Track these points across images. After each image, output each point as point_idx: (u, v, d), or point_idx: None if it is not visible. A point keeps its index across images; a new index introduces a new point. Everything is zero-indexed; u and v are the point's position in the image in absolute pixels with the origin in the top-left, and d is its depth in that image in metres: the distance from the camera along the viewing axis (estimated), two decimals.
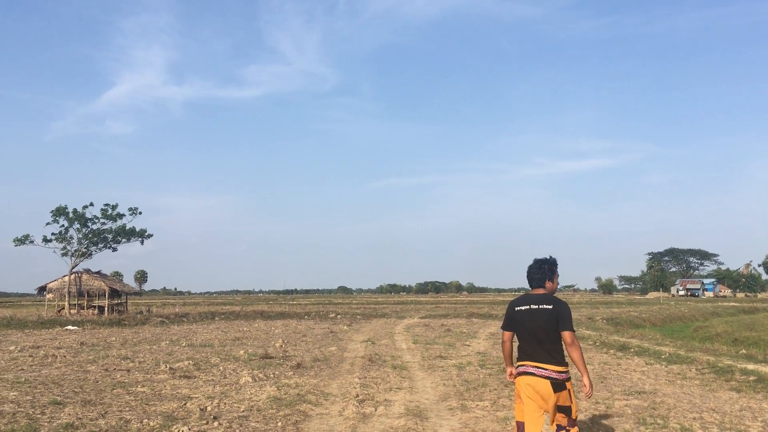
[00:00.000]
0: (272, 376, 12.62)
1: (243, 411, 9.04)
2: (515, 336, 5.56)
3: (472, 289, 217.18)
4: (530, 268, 5.64)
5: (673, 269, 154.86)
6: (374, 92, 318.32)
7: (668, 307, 54.76)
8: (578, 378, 5.37)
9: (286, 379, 12.06)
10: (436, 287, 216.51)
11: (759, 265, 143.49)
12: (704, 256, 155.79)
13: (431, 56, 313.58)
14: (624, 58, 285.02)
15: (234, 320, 37.66)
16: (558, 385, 5.24)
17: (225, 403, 9.60)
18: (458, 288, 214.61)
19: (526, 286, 5.69)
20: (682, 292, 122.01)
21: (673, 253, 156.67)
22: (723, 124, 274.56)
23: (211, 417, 8.53)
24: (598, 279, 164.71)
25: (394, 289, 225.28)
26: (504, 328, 5.61)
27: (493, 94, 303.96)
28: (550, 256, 5.70)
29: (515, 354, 5.65)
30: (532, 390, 5.29)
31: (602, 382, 11.85)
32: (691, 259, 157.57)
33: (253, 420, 8.46)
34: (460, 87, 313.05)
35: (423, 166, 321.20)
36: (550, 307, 5.33)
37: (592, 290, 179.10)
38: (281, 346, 19.03)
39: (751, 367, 13.90)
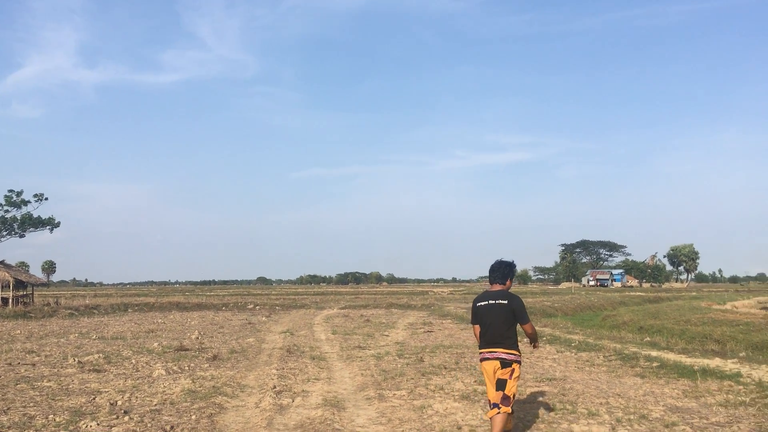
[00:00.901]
0: (187, 368, 12.34)
1: (156, 405, 8.80)
2: (481, 326, 6.54)
3: (392, 280, 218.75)
4: (493, 266, 6.64)
5: (585, 260, 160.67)
6: (297, 81, 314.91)
7: (579, 297, 56.78)
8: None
9: (202, 372, 11.82)
10: (357, 278, 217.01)
11: (663, 257, 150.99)
12: (613, 247, 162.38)
13: (354, 47, 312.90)
14: (543, 54, 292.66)
15: (148, 312, 36.63)
16: (506, 363, 6.32)
17: (137, 397, 9.33)
18: (378, 279, 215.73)
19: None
20: (592, 282, 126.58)
21: (585, 245, 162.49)
22: (632, 120, 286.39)
23: (122, 411, 8.26)
24: None
25: (314, 279, 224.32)
26: (473, 322, 6.70)
27: (416, 86, 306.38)
28: (512, 260, 6.75)
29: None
30: (486, 371, 6.42)
31: None
32: (601, 250, 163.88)
33: (165, 413, 8.25)
34: (383, 78, 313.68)
35: (346, 156, 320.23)
36: (506, 302, 6.37)
37: None
38: (197, 337, 18.65)
39: (654, 353, 14.60)
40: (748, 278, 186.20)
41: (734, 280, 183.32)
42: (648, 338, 20.21)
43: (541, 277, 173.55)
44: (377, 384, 10.57)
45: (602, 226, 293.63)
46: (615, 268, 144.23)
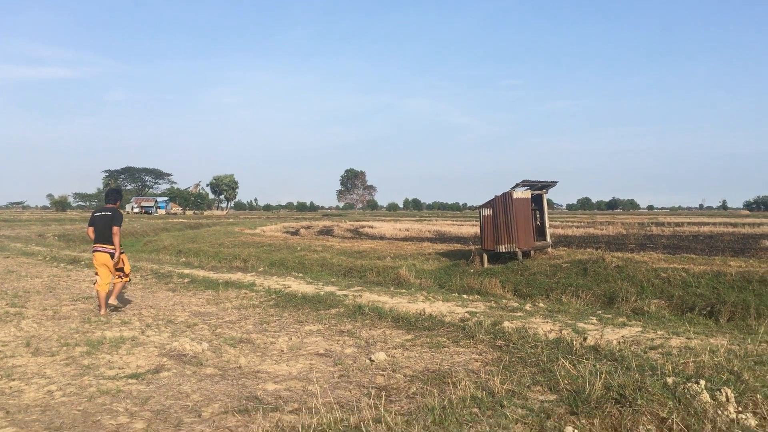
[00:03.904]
0: None
1: None
2: (94, 230, 9.98)
3: None
4: (107, 192, 10.42)
5: (130, 187, 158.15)
6: None
7: None
8: None
9: None
10: None
11: (207, 185, 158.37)
12: (159, 175, 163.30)
13: None
14: None
15: None
16: (114, 255, 9.88)
17: None
18: None
19: None
20: (137, 210, 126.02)
21: (130, 172, 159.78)
22: (183, 49, 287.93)
23: None
24: (50, 196, 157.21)
25: None
26: (89, 225, 10.16)
27: None
28: (118, 187, 11.23)
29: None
30: (101, 258, 9.86)
31: (51, 292, 12.35)
32: (147, 177, 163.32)
33: None
34: None
35: None
36: (110, 214, 9.99)
37: (45, 207, 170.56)
38: None
39: (187, 271, 16.19)
40: (279, 206, 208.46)
41: (268, 208, 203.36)
42: (184, 259, 21.92)
43: (82, 204, 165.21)
44: None
45: (149, 153, 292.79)
46: (160, 195, 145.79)
